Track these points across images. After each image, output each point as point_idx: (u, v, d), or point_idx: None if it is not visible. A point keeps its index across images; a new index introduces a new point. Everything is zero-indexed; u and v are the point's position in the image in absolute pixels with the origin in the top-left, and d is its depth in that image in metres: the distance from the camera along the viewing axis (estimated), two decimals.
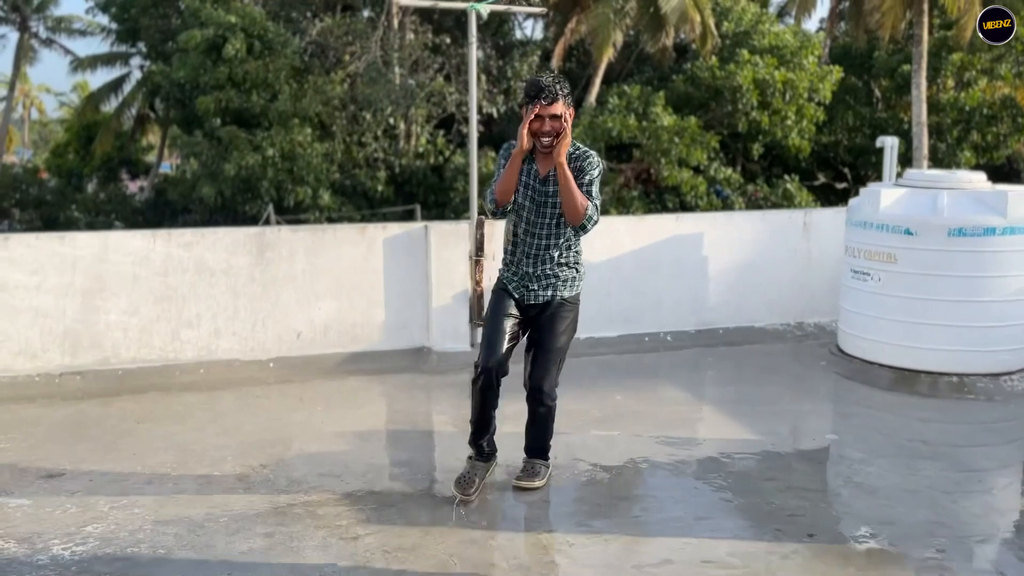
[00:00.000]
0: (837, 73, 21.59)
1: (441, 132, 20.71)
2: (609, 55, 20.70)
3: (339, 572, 3.13)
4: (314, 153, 18.33)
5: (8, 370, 5.36)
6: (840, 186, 25.12)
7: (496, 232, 6.19)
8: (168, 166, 30.16)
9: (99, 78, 28.57)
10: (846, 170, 25.19)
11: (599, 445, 4.42)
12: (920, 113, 18.02)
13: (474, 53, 5.92)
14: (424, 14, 19.11)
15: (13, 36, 30.08)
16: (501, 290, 3.80)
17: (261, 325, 5.78)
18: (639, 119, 20.16)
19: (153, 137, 30.09)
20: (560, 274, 3.72)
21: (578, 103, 23.08)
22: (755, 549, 3.34)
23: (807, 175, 23.91)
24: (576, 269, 3.79)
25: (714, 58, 21.17)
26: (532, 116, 3.48)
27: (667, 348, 6.44)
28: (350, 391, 5.42)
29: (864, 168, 24.84)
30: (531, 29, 24.66)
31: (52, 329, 5.40)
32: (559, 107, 3.50)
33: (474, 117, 6.06)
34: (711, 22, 20.26)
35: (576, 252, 3.77)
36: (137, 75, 25.95)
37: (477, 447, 3.91)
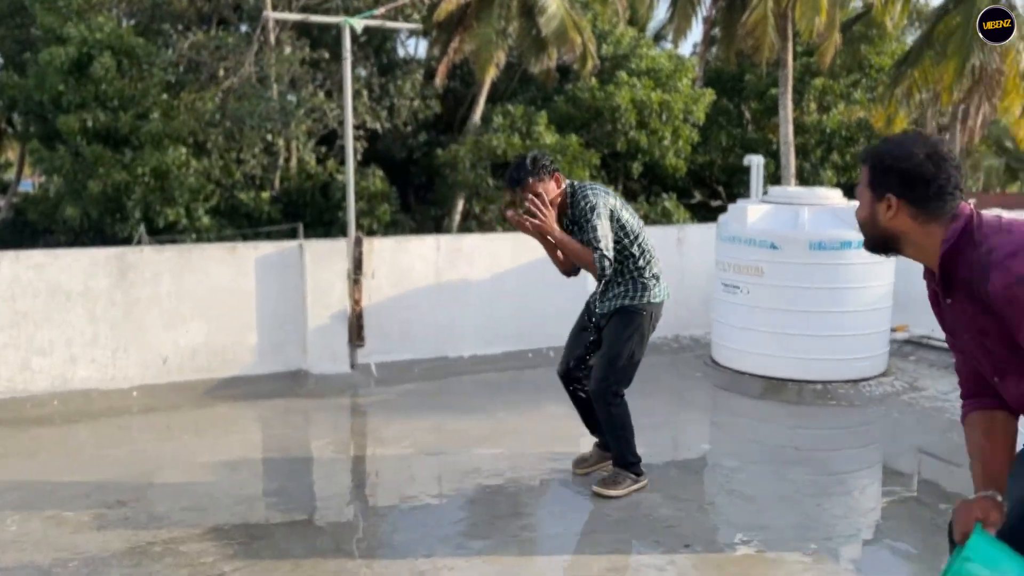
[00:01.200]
0: (710, 95, 22.54)
1: (323, 148, 20.36)
2: (492, 75, 20.90)
3: None
4: (188, 172, 17.61)
5: None
6: (715, 204, 26.18)
7: (374, 249, 6.08)
8: (29, 184, 28.34)
9: None
10: (720, 188, 26.31)
11: (481, 464, 4.36)
12: (787, 134, 19.00)
13: (348, 68, 5.81)
14: (301, 29, 18.76)
15: None
16: (586, 303, 4.17)
17: (123, 351, 5.44)
18: (523, 138, 20.42)
19: (12, 153, 28.25)
20: (616, 291, 3.93)
21: (462, 122, 23.17)
22: (633, 562, 3.35)
23: (684, 193, 24.83)
24: (631, 283, 3.92)
25: (594, 79, 21.72)
26: (515, 205, 3.80)
27: (551, 364, 6.45)
28: (220, 418, 5.17)
29: (737, 186, 25.97)
30: (414, 47, 24.64)
31: None
32: (531, 187, 3.71)
33: (350, 134, 5.95)
34: (591, 45, 20.78)
35: (632, 269, 3.91)
36: None
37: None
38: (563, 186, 3.81)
